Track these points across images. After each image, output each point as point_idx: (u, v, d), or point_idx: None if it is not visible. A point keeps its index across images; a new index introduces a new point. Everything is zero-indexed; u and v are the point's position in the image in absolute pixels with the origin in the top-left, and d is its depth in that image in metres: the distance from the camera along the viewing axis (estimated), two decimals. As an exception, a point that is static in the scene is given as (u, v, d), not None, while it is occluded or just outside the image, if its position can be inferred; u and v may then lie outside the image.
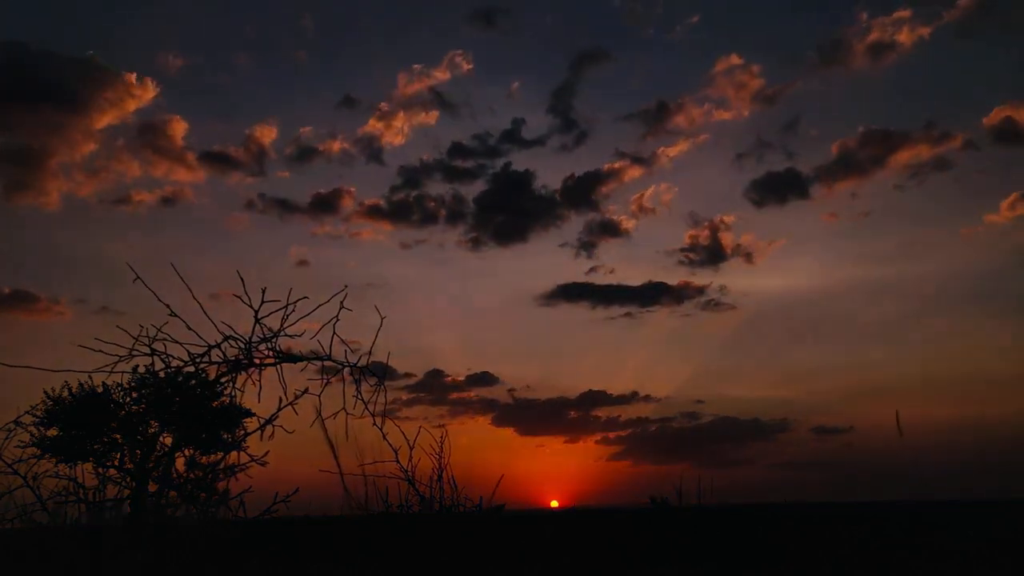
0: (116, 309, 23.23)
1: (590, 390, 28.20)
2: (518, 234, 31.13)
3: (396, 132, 30.60)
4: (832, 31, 31.87)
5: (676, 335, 32.46)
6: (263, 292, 5.29)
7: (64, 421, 5.16)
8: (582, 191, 31.58)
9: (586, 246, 31.08)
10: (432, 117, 31.12)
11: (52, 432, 5.18)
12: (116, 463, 5.24)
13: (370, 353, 5.50)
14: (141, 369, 5.32)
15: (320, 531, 6.50)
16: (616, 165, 32.05)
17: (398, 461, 5.32)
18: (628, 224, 31.62)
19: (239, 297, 5.29)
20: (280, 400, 5.39)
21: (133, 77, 26.90)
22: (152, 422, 5.33)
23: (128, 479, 5.20)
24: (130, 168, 28.42)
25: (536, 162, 36.75)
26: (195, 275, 5.16)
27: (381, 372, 5.53)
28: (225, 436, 5.47)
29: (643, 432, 26.66)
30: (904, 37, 28.87)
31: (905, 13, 28.64)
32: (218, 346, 5.34)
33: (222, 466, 5.40)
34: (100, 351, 5.14)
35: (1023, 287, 31.76)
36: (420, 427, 5.40)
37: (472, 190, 33.51)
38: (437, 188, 31.64)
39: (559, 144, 31.49)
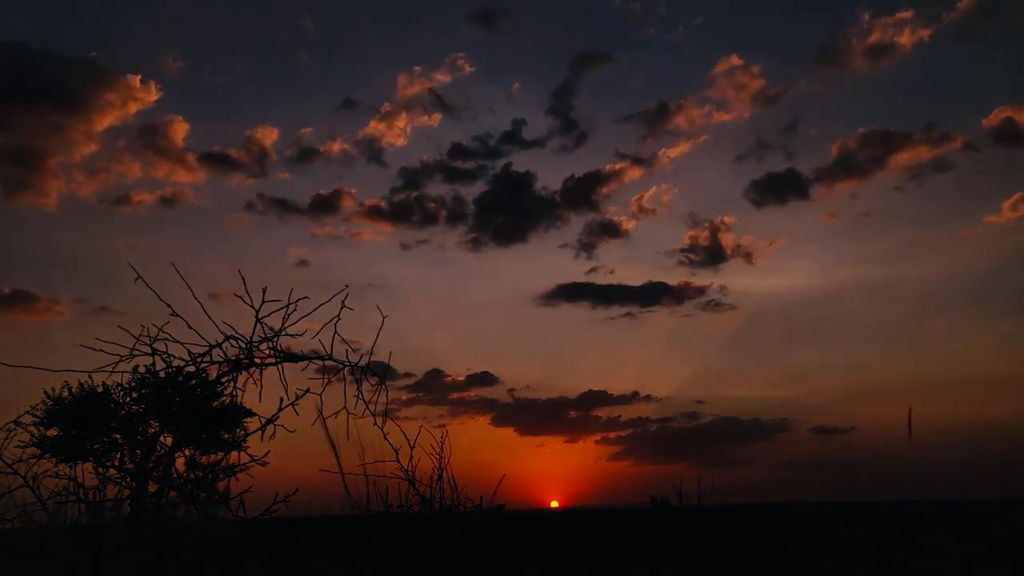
0: (116, 309, 23.25)
1: (590, 390, 28.22)
2: (518, 235, 31.15)
3: (396, 133, 30.61)
4: (833, 31, 31.89)
5: (676, 335, 32.48)
6: (264, 292, 5.29)
7: (64, 421, 5.16)
8: (582, 192, 31.60)
9: (586, 247, 31.10)
10: (432, 118, 31.14)
11: (52, 432, 5.17)
12: (116, 463, 5.24)
13: (371, 353, 5.51)
14: (141, 369, 5.33)
15: (320, 531, 6.50)
16: (616, 166, 32.08)
17: (398, 461, 5.32)
18: (628, 225, 31.64)
19: (240, 297, 5.29)
20: (281, 400, 5.40)
21: (133, 78, 26.91)
22: (152, 422, 5.33)
23: (128, 479, 5.20)
24: (130, 169, 28.43)
25: (536, 163, 36.77)
26: (195, 275, 5.17)
27: (382, 372, 5.54)
28: (225, 436, 5.47)
29: (643, 432, 26.66)
30: (905, 38, 28.89)
31: (907, 14, 28.68)
32: (219, 346, 5.34)
33: (222, 466, 5.39)
34: (100, 351, 5.15)
35: (1023, 288, 31.77)
36: (420, 427, 5.41)
37: (472, 191, 33.53)
38: (437, 189, 31.65)
39: (559, 145, 31.50)
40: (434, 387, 23.46)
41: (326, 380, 5.47)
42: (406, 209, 30.57)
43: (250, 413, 5.52)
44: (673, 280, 30.91)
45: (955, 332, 33.94)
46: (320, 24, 31.46)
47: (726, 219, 32.26)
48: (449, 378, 24.86)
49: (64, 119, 26.95)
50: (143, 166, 28.81)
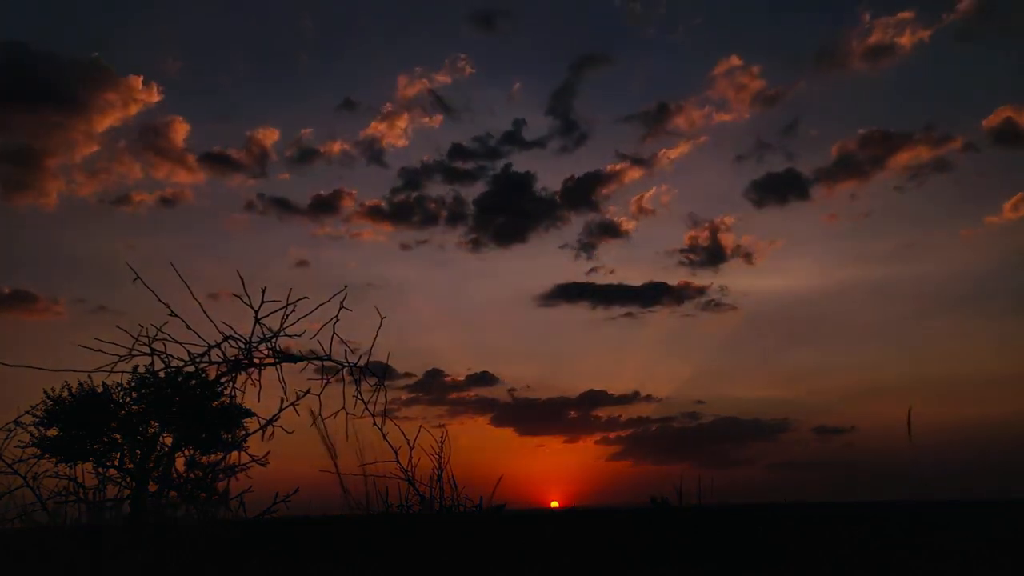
0: (115, 309, 23.27)
1: (591, 390, 28.26)
2: (518, 235, 31.20)
3: (397, 134, 30.65)
4: (833, 32, 31.92)
5: (677, 335, 32.52)
6: (263, 292, 5.29)
7: (64, 421, 5.16)
8: (582, 192, 31.64)
9: (586, 247, 31.14)
10: (433, 119, 31.17)
11: (52, 432, 5.17)
12: (116, 463, 5.24)
13: (370, 353, 5.51)
14: (141, 369, 5.32)
15: (320, 531, 6.50)
16: (616, 167, 32.10)
17: (398, 461, 5.32)
18: (628, 225, 31.68)
19: (239, 297, 5.29)
20: (281, 400, 5.39)
21: (134, 79, 26.92)
22: (152, 422, 5.33)
23: (128, 479, 5.20)
24: (131, 169, 28.46)
25: (536, 163, 36.85)
26: (195, 276, 5.16)
27: (381, 372, 5.53)
28: (225, 436, 5.47)
29: (643, 432, 26.69)
30: (905, 39, 28.91)
31: (907, 15, 28.69)
32: (218, 346, 5.34)
33: (222, 466, 5.39)
34: (100, 351, 5.14)
35: (1023, 288, 31.78)
36: (420, 427, 5.40)
37: (473, 191, 33.58)
38: (438, 189, 31.72)
39: (559, 146, 31.58)
40: (434, 387, 23.49)
41: (325, 381, 5.47)
42: (406, 209, 30.63)
43: (250, 413, 5.52)
44: (673, 280, 30.98)
45: (955, 332, 33.99)
46: (320, 25, 31.51)
47: (726, 219, 32.33)
48: (449, 378, 24.89)
49: (64, 119, 26.99)
50: (143, 166, 28.87)
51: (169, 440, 5.34)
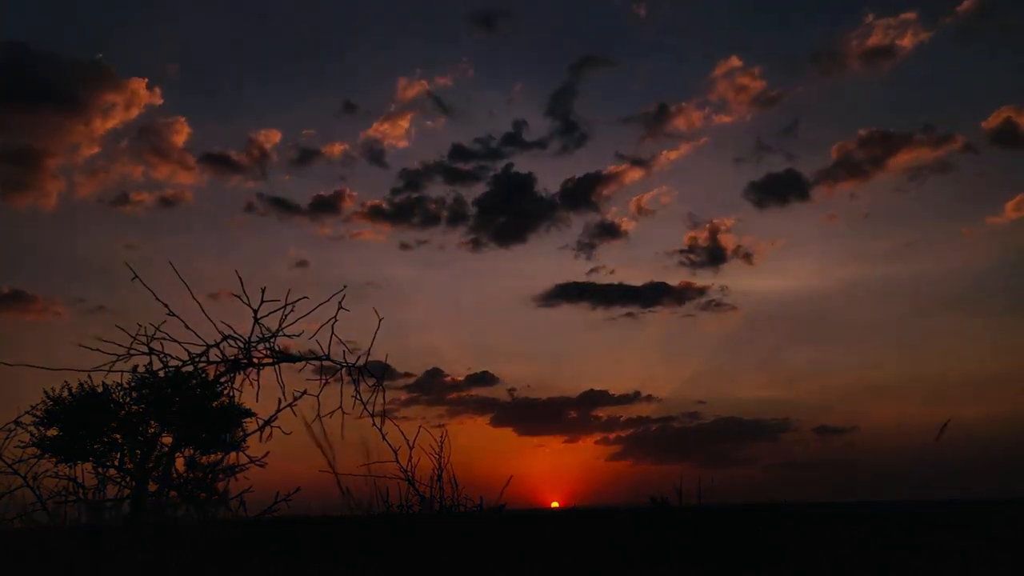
0: (114, 309, 23.30)
1: (591, 390, 28.28)
2: (518, 235, 31.22)
3: (397, 135, 30.67)
4: (833, 33, 31.91)
5: (677, 335, 32.54)
6: (262, 292, 5.28)
7: (64, 421, 5.15)
8: (582, 193, 31.67)
9: (586, 247, 31.17)
10: (433, 120, 31.20)
11: (52, 432, 5.17)
12: (116, 463, 5.24)
13: (368, 353, 5.50)
14: (140, 368, 5.32)
15: (320, 531, 6.50)
16: (616, 168, 32.11)
17: (398, 461, 5.32)
18: (628, 226, 31.70)
19: (238, 297, 5.29)
20: (279, 401, 5.39)
21: (135, 80, 26.93)
22: (152, 422, 5.33)
23: (128, 479, 5.20)
24: (131, 170, 28.48)
25: (537, 164, 36.86)
26: (194, 276, 5.16)
27: (380, 372, 5.53)
28: (225, 436, 5.46)
29: (644, 432, 26.69)
30: (904, 40, 28.91)
31: (907, 16, 28.69)
32: (217, 345, 5.33)
33: (222, 466, 5.39)
34: (98, 350, 5.14)
35: (1022, 288, 31.77)
36: (420, 427, 5.40)
37: (473, 192, 33.61)
38: (438, 190, 31.77)
39: (560, 146, 31.58)
40: (433, 387, 23.49)
41: (323, 381, 5.47)
42: (407, 210, 30.66)
43: (250, 413, 5.51)
44: (674, 280, 31.00)
45: (955, 332, 33.98)
46: (321, 27, 31.53)
47: (726, 220, 32.35)
48: (448, 378, 24.90)
49: (64, 120, 27.01)
50: (144, 167, 28.87)
51: (169, 440, 5.33)
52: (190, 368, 5.36)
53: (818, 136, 33.14)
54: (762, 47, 35.76)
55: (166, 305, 5.09)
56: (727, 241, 32.04)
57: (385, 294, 28.62)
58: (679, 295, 30.55)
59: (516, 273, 34.23)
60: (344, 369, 5.51)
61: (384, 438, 5.34)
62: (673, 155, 31.91)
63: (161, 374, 5.32)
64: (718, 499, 6.20)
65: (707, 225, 32.24)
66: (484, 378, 26.24)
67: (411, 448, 5.33)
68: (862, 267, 35.32)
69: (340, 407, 5.41)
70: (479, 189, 32.34)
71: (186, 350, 5.29)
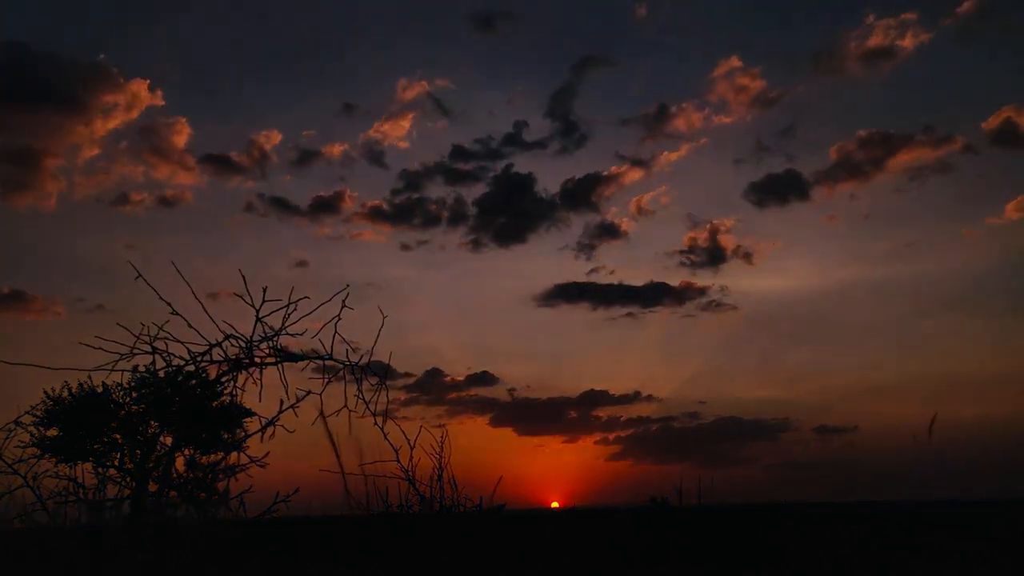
0: (113, 308, 23.30)
1: (591, 390, 28.26)
2: (518, 236, 31.20)
3: (398, 136, 30.67)
4: (833, 34, 31.91)
5: (678, 335, 32.53)
6: (264, 291, 5.29)
7: (64, 421, 5.15)
8: (582, 193, 31.66)
9: (586, 248, 31.15)
10: (433, 120, 31.20)
11: (52, 432, 5.17)
12: (116, 463, 5.24)
13: (371, 353, 5.51)
14: (141, 368, 5.32)
15: (320, 531, 6.50)
16: (616, 168, 32.12)
17: (398, 461, 5.32)
18: (628, 226, 31.69)
19: (240, 296, 5.29)
20: (281, 401, 5.39)
21: (136, 80, 26.93)
22: (152, 422, 5.32)
23: (128, 479, 5.19)
24: (131, 170, 28.48)
25: (537, 165, 36.86)
26: (195, 276, 5.16)
27: (382, 372, 5.53)
28: (225, 436, 5.46)
29: (644, 432, 26.69)
30: (904, 41, 28.91)
31: (907, 16, 28.69)
32: (219, 345, 5.33)
33: (222, 466, 5.39)
34: (100, 349, 5.13)
35: (1022, 288, 31.79)
36: (420, 427, 5.40)
37: (473, 192, 33.61)
38: (438, 191, 31.78)
39: (560, 147, 31.56)
40: (433, 387, 23.49)
41: (326, 380, 5.47)
42: (407, 210, 30.64)
43: (250, 413, 5.51)
44: (674, 281, 30.98)
45: (955, 332, 33.99)
46: (322, 27, 31.52)
47: (726, 220, 32.33)
48: (448, 378, 24.89)
49: (65, 120, 27.00)
50: (144, 168, 28.87)
51: (169, 440, 5.33)
52: (192, 368, 5.36)
53: (818, 136, 33.15)
54: (762, 47, 35.74)
55: (169, 304, 5.09)
56: (727, 241, 32.04)
57: (385, 294, 28.61)
58: (679, 295, 30.55)
59: (516, 273, 34.24)
60: (346, 368, 5.51)
61: (386, 437, 5.35)
62: (673, 156, 31.91)
63: (162, 374, 5.32)
64: (718, 499, 6.21)
65: (707, 226, 32.24)
66: (484, 378, 26.24)
67: (412, 448, 5.34)
68: (862, 267, 35.35)
69: (345, 406, 5.42)
70: (479, 189, 32.35)
71: (188, 349, 5.30)
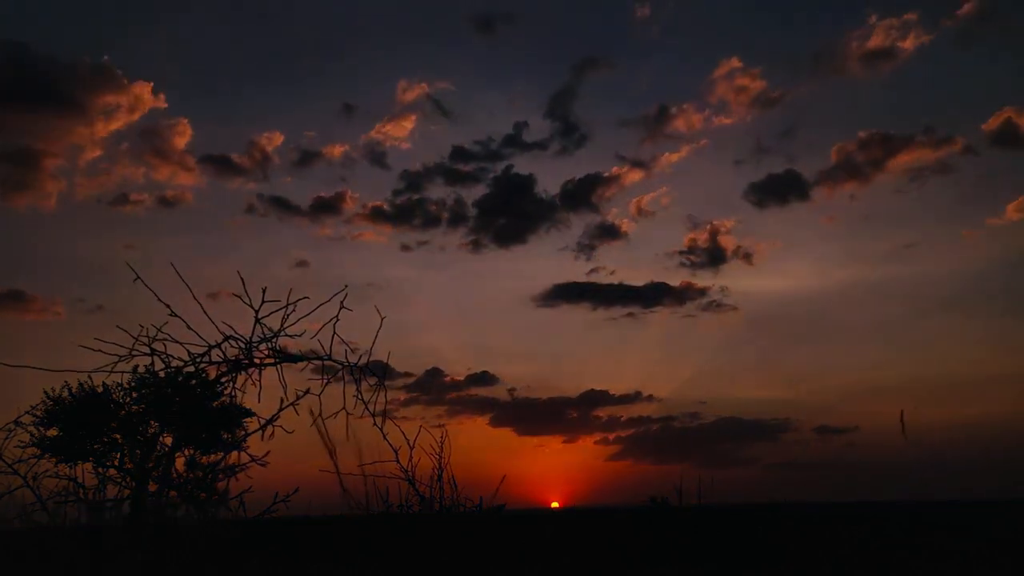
0: (113, 309, 23.30)
1: (592, 390, 28.30)
2: (518, 236, 31.24)
3: (398, 137, 30.68)
4: (834, 33, 31.91)
5: (678, 335, 32.56)
6: (263, 292, 5.29)
7: (64, 421, 5.15)
8: (582, 194, 31.69)
9: (586, 249, 31.19)
10: (434, 122, 31.22)
11: (52, 432, 5.17)
12: (116, 463, 5.24)
13: (370, 353, 5.51)
14: (141, 369, 5.32)
15: (320, 531, 6.51)
16: (617, 170, 32.12)
17: (398, 461, 5.32)
18: (628, 227, 31.72)
19: (239, 297, 5.29)
20: (281, 400, 5.39)
21: (137, 82, 26.94)
22: (152, 422, 5.33)
23: (128, 479, 5.19)
24: (132, 171, 28.49)
25: (537, 166, 36.88)
26: (195, 276, 5.16)
27: (381, 372, 5.53)
28: (225, 436, 5.46)
29: (644, 432, 26.70)
30: (905, 42, 28.92)
31: (909, 17, 28.70)
32: (218, 346, 5.33)
33: (222, 466, 5.39)
34: (99, 350, 5.14)
35: (1022, 288, 31.79)
36: (420, 427, 5.40)
37: (473, 193, 33.63)
38: (439, 191, 31.78)
39: (560, 148, 31.59)
40: (432, 387, 23.49)
41: (325, 380, 5.47)
42: (408, 211, 30.69)
43: (250, 413, 5.51)
44: (675, 281, 31.02)
45: (955, 332, 33.99)
46: (322, 29, 31.55)
47: (727, 221, 32.37)
48: (448, 378, 24.90)
49: (65, 121, 27.03)
50: (145, 169, 28.89)
51: (169, 440, 5.33)
52: (192, 368, 5.36)
53: (818, 137, 33.20)
54: (763, 48, 35.80)
55: (168, 305, 5.09)
56: (727, 242, 32.11)
57: (386, 295, 28.67)
58: (680, 295, 30.60)
59: (516, 274, 34.30)
60: (345, 369, 5.51)
61: (385, 438, 5.35)
62: (673, 157, 31.94)
63: (162, 374, 5.32)
64: (718, 499, 6.21)
65: (707, 226, 32.26)
66: (484, 378, 26.27)
67: (411, 448, 5.33)
68: (862, 268, 35.39)
69: (344, 407, 5.42)
70: (479, 190, 32.40)
71: (188, 350, 5.30)
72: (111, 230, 29.28)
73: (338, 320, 5.41)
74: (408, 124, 30.64)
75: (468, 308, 35.11)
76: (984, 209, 33.23)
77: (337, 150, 30.63)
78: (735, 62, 31.33)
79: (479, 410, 25.88)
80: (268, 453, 5.44)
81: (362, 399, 5.46)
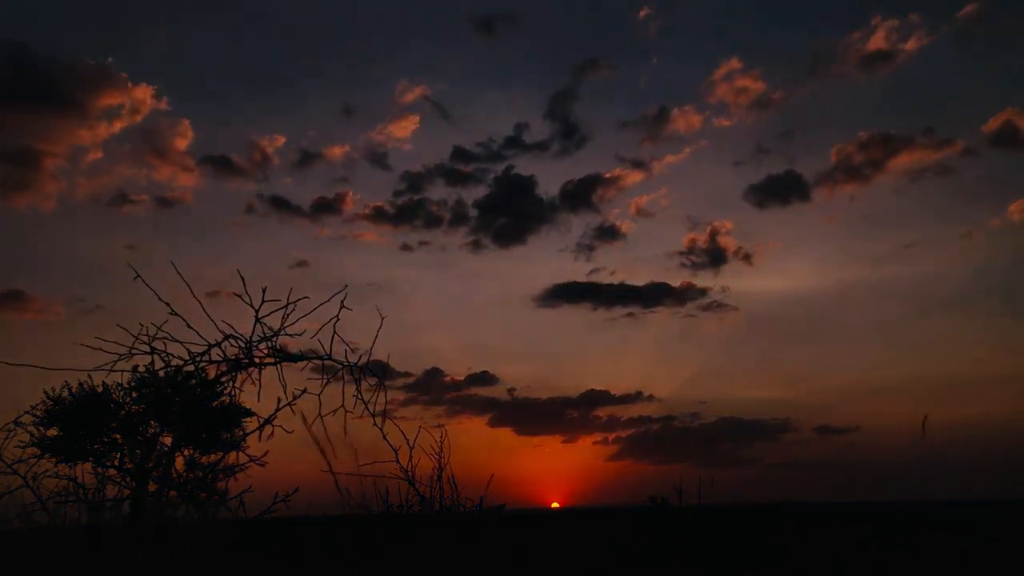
0: (112, 309, 23.28)
1: (591, 390, 28.26)
2: (519, 237, 31.22)
3: (399, 137, 30.69)
4: (834, 34, 31.91)
5: (678, 335, 32.53)
6: (263, 291, 5.28)
7: (64, 421, 5.15)
8: (582, 195, 31.68)
9: (586, 249, 31.18)
10: (435, 122, 31.23)
11: (52, 432, 5.17)
12: (116, 463, 5.24)
13: (370, 353, 5.50)
14: (141, 368, 5.32)
15: (320, 531, 6.50)
16: (617, 171, 32.12)
17: (398, 461, 5.32)
18: (629, 228, 31.71)
19: (239, 296, 5.28)
20: (279, 400, 5.39)
21: (136, 82, 26.92)
22: (152, 422, 5.32)
23: (128, 479, 5.19)
24: (133, 172, 28.48)
25: (537, 166, 36.89)
26: (195, 276, 5.16)
27: (381, 372, 5.53)
28: (225, 436, 5.46)
29: (645, 432, 26.69)
30: (906, 44, 28.91)
31: (912, 18, 28.70)
32: (218, 345, 5.33)
33: (222, 466, 5.39)
34: (99, 349, 5.14)
35: (1022, 288, 31.80)
36: (420, 427, 5.40)
37: (474, 194, 33.62)
38: (439, 192, 31.79)
39: (560, 149, 31.57)
40: (432, 387, 23.45)
41: (325, 380, 5.46)
42: (408, 212, 30.67)
43: (249, 413, 5.51)
44: (675, 281, 30.99)
45: (955, 332, 34.00)
46: (323, 30, 31.53)
47: (727, 222, 32.35)
48: (448, 377, 24.87)
49: (65, 121, 27.00)
50: (146, 170, 28.88)
51: (169, 440, 5.33)
52: (191, 368, 5.36)
53: (818, 138, 33.18)
54: (762, 49, 35.71)
55: (168, 304, 5.09)
56: (727, 243, 32.06)
57: (386, 295, 28.63)
58: (680, 296, 30.56)
59: (516, 274, 34.28)
60: (345, 368, 5.51)
61: (385, 438, 5.34)
62: (673, 158, 31.93)
63: (162, 374, 5.32)
64: (718, 499, 6.21)
65: (707, 227, 32.25)
66: (484, 378, 26.22)
67: (411, 448, 5.33)
68: (862, 268, 35.37)
69: (343, 406, 5.42)
70: (480, 191, 32.36)
71: (187, 350, 5.30)
72: (111, 230, 29.25)
73: (338, 320, 5.42)
74: (409, 125, 30.64)
75: (468, 308, 35.10)
76: (984, 210, 33.23)
77: (337, 151, 30.62)
78: (735, 63, 31.32)
79: (479, 410, 25.85)
80: (267, 453, 5.44)
81: (362, 399, 5.47)
